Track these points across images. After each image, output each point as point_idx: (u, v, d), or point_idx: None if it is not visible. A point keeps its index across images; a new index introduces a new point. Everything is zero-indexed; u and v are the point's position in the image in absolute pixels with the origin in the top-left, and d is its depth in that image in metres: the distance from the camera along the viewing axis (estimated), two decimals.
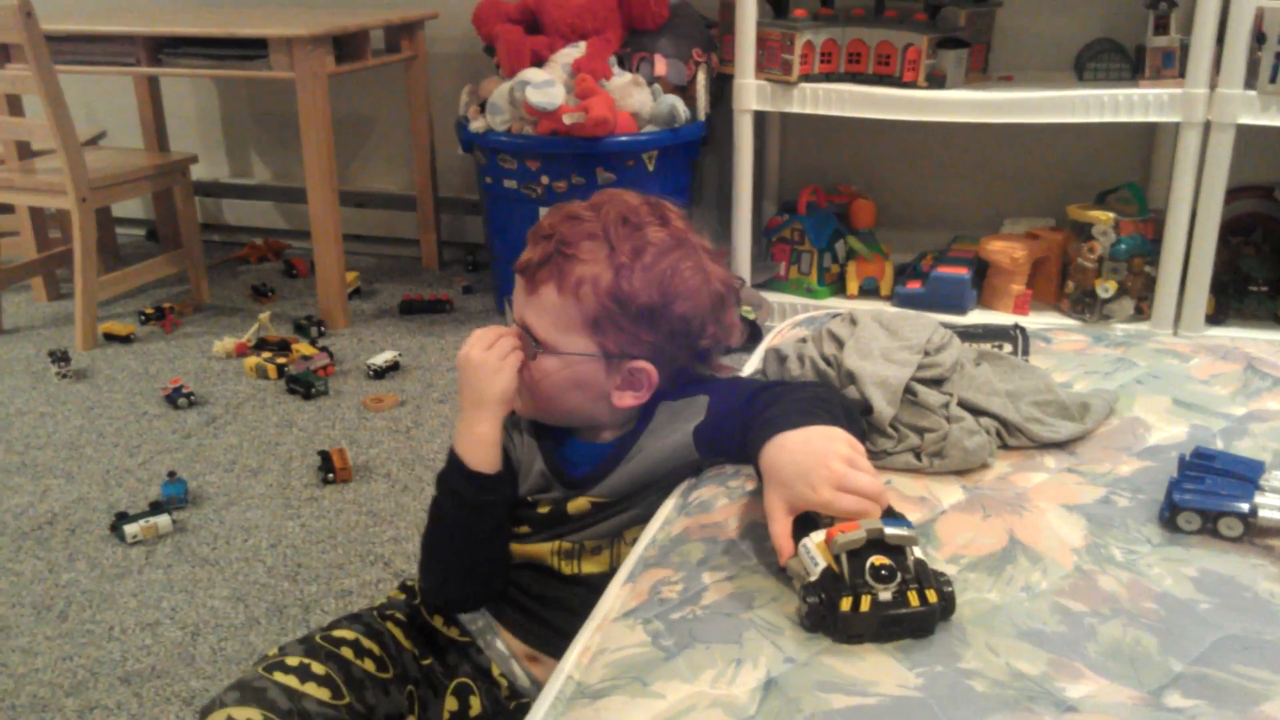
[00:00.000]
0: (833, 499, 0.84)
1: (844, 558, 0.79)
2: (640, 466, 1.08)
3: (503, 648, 1.13)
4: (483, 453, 1.08)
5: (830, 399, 1.02)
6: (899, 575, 0.79)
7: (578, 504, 1.09)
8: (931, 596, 0.78)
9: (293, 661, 1.04)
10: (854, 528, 0.80)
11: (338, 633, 1.10)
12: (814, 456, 0.87)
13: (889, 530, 0.80)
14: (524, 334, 1.08)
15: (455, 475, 1.09)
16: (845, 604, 0.78)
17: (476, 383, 1.07)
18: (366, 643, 1.10)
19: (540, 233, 1.08)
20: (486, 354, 1.07)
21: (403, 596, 1.21)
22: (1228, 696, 0.73)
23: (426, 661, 1.14)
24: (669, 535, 0.97)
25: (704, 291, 1.08)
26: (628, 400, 1.09)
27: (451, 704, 1.12)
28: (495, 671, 1.13)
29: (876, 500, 0.85)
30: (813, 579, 0.81)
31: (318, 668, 1.04)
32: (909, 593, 0.78)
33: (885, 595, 0.78)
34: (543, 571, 1.11)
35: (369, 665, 1.08)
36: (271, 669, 1.03)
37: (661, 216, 1.09)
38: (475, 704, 1.11)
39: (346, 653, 1.08)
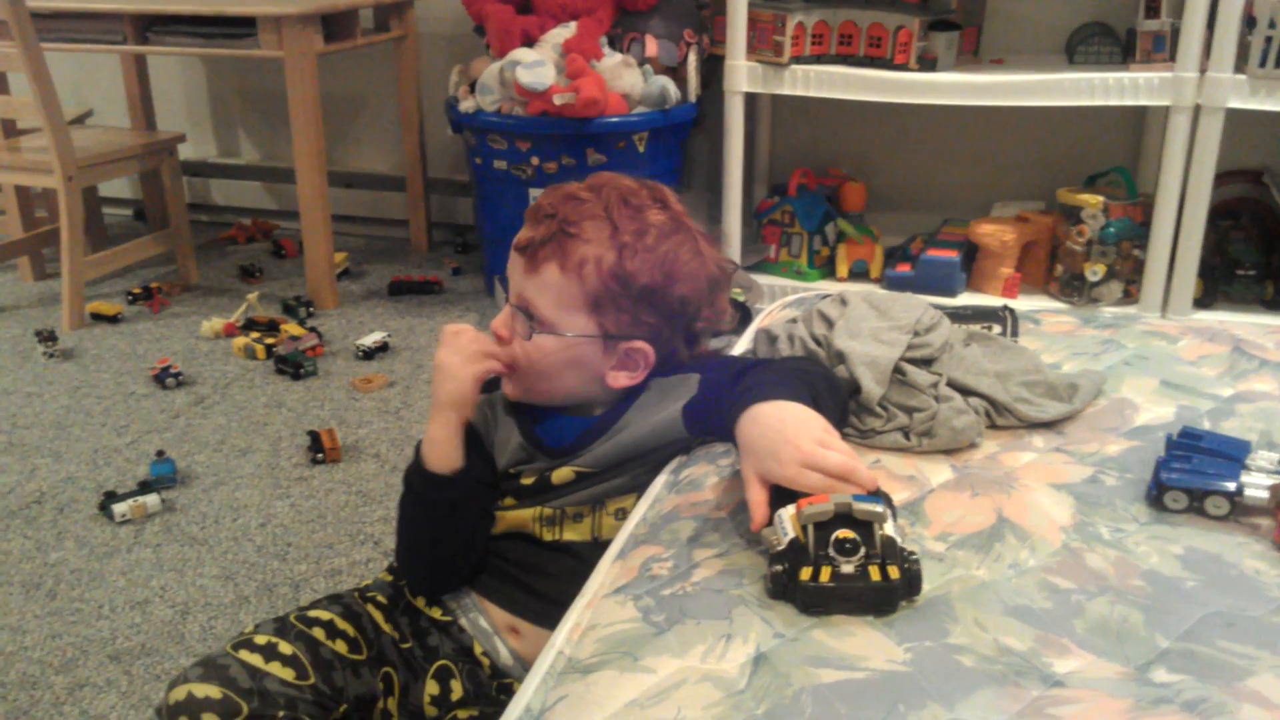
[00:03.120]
0: (797, 476, 0.85)
1: (810, 529, 0.81)
2: (627, 439, 1.08)
3: (485, 624, 1.13)
4: (439, 451, 1.09)
5: (812, 371, 1.03)
6: (862, 549, 0.79)
7: (562, 474, 1.09)
8: (893, 573, 0.79)
9: (261, 640, 1.04)
10: (823, 500, 0.81)
11: (313, 613, 1.11)
12: (784, 434, 0.87)
13: (857, 505, 0.80)
14: (522, 313, 1.08)
15: (414, 473, 1.12)
16: (805, 574, 0.80)
17: (436, 383, 1.09)
18: (341, 624, 1.10)
19: (541, 212, 1.07)
20: (450, 356, 1.08)
21: (389, 578, 1.21)
22: (1212, 672, 0.74)
23: (407, 645, 1.14)
24: (659, 512, 0.97)
25: (702, 275, 1.10)
26: (622, 380, 1.09)
27: (432, 688, 1.12)
28: (477, 650, 1.13)
29: (846, 479, 0.85)
30: (780, 548, 0.82)
31: (285, 647, 1.04)
32: (871, 567, 0.79)
33: (847, 568, 0.79)
34: (523, 539, 1.12)
35: (340, 646, 1.08)
36: (238, 647, 1.03)
37: (660, 199, 1.10)
38: (456, 688, 1.12)
39: (318, 633, 1.08)
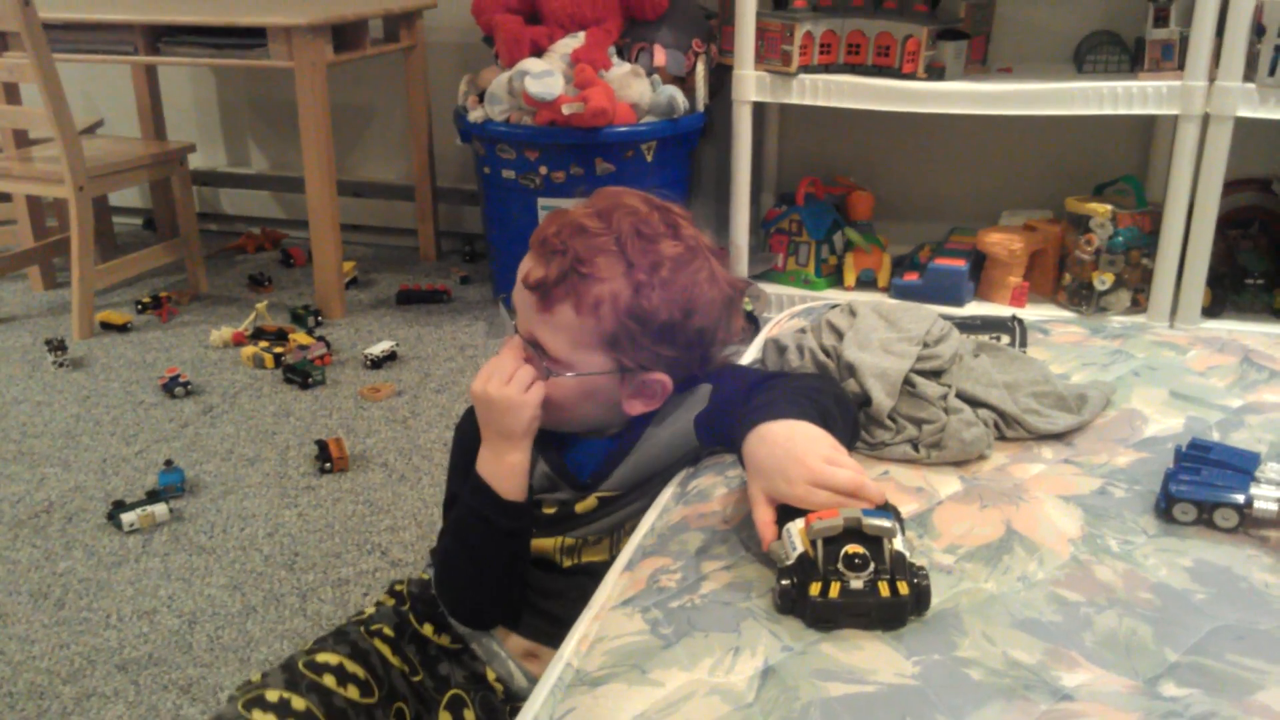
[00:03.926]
0: (806, 494, 0.84)
1: (819, 544, 0.80)
2: (646, 456, 1.08)
3: (498, 648, 1.13)
4: (515, 481, 1.07)
5: (823, 389, 1.02)
6: (872, 565, 0.79)
7: (586, 504, 1.08)
8: (903, 588, 0.79)
9: (273, 697, 1.02)
10: (833, 515, 0.81)
11: (321, 657, 1.08)
12: (791, 453, 0.87)
13: (866, 520, 0.80)
14: (535, 349, 1.06)
15: (487, 504, 1.07)
16: (814, 589, 0.79)
17: (502, 420, 1.06)
18: (351, 666, 1.09)
19: (549, 247, 1.03)
20: (508, 389, 1.04)
21: (391, 603, 1.20)
22: (1222, 685, 0.73)
23: (417, 678, 1.13)
24: (667, 524, 0.97)
25: (719, 301, 1.07)
26: (638, 408, 1.08)
27: (445, 718, 1.11)
28: (490, 676, 1.12)
29: (854, 496, 0.84)
30: (789, 563, 0.82)
31: (298, 703, 1.03)
32: (880, 583, 0.79)
33: (856, 584, 0.79)
34: (542, 565, 1.11)
35: (352, 692, 1.07)
36: (250, 706, 1.01)
37: (672, 224, 1.06)
38: (469, 717, 1.11)
39: (329, 681, 1.06)
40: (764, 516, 0.87)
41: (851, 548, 0.80)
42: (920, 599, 0.80)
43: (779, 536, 0.85)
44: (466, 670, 1.13)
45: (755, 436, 0.91)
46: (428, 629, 1.16)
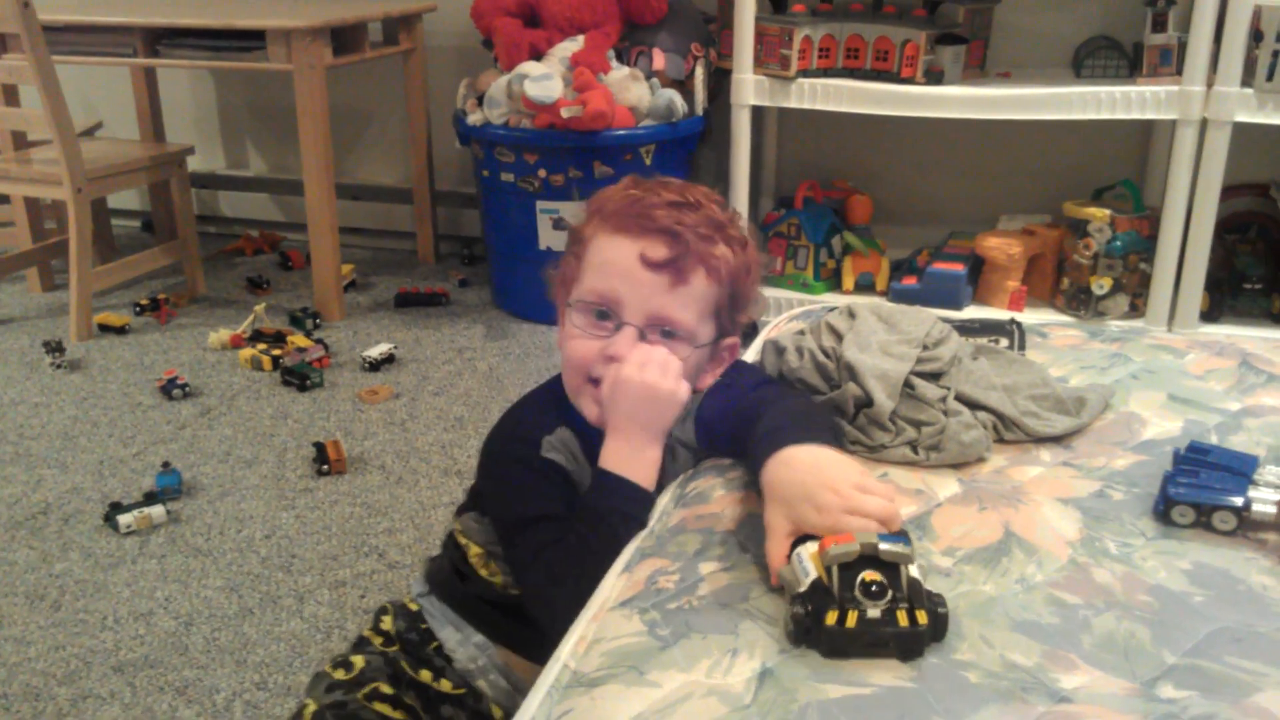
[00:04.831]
0: (838, 522, 0.82)
1: (835, 570, 0.77)
2: (683, 452, 1.08)
3: (507, 684, 1.11)
4: (653, 477, 1.04)
5: (825, 411, 1.02)
6: (889, 593, 0.76)
7: None
8: (921, 618, 0.76)
9: None
10: (848, 540, 0.78)
11: None
12: (823, 480, 0.85)
13: (884, 546, 0.77)
14: (659, 331, 1.04)
15: (633, 501, 1.01)
16: (831, 618, 0.76)
17: (652, 411, 1.02)
18: None
19: (658, 223, 1.03)
20: (667, 381, 1.01)
21: (379, 642, 1.17)
22: (1220, 687, 0.73)
23: None
24: (666, 526, 0.97)
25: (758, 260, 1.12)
26: (708, 380, 1.10)
27: None
28: (498, 715, 1.11)
29: (887, 524, 0.82)
30: (802, 589, 0.79)
31: None
32: (898, 611, 0.76)
33: (874, 612, 0.76)
34: None
35: None
36: None
37: (713, 198, 1.10)
38: None
39: None
40: (779, 548, 0.84)
41: (869, 575, 0.77)
42: (938, 628, 0.77)
43: (789, 559, 0.82)
44: (469, 711, 1.12)
45: (778, 461, 0.89)
46: (425, 675, 1.14)
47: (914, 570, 0.78)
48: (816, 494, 0.84)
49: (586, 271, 1.06)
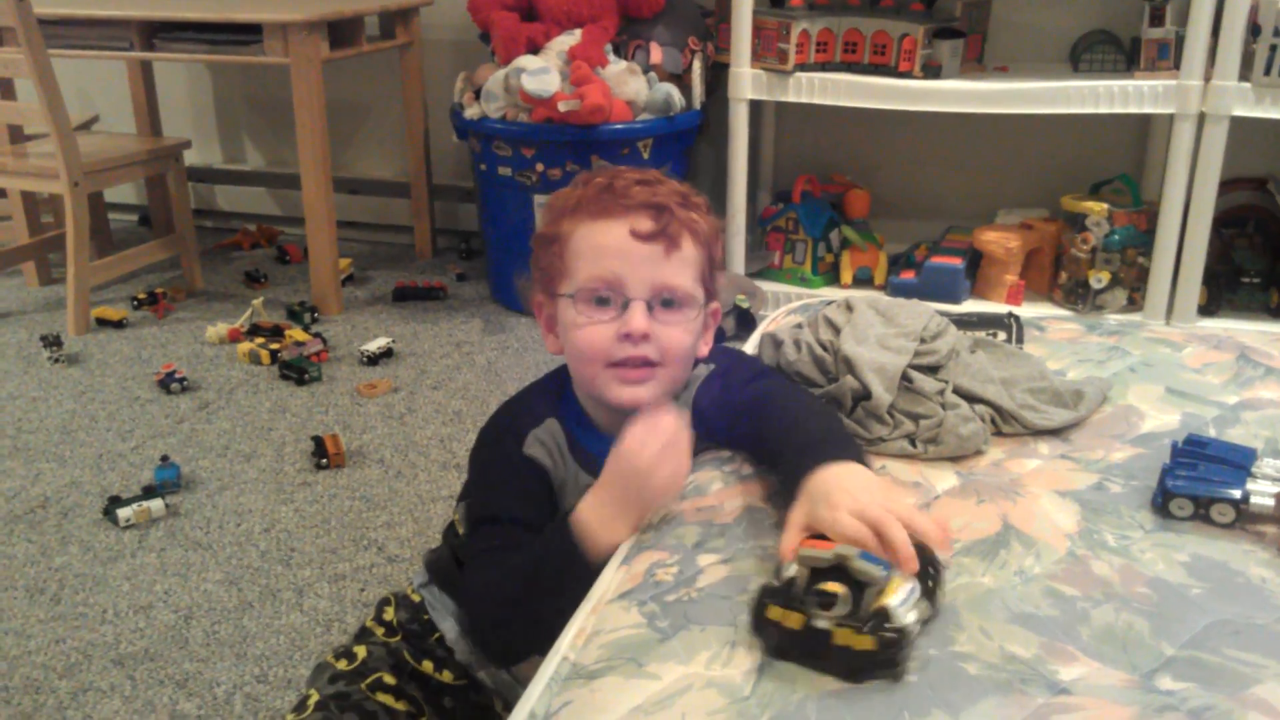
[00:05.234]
0: (837, 520, 0.81)
1: (806, 572, 0.76)
2: None
3: (509, 676, 1.11)
4: (610, 548, 0.95)
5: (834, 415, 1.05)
6: (844, 609, 0.73)
7: None
8: (865, 643, 0.72)
9: None
10: (828, 546, 0.77)
11: None
12: (843, 484, 0.84)
13: (857, 561, 0.75)
14: (662, 303, 1.05)
15: (581, 563, 0.95)
16: (773, 612, 0.75)
17: (655, 489, 0.95)
18: None
19: (638, 199, 1.05)
20: (668, 464, 0.94)
21: (380, 633, 1.17)
22: (1218, 679, 0.73)
23: (422, 718, 1.12)
24: (664, 517, 0.97)
25: None
26: (703, 349, 1.11)
27: None
28: (498, 706, 1.11)
29: (881, 534, 0.79)
30: (777, 584, 0.78)
31: None
32: (843, 630, 0.72)
33: (821, 623, 0.73)
34: None
35: None
36: None
37: (667, 175, 1.13)
38: None
39: None
40: (789, 542, 0.83)
41: (831, 585, 0.74)
42: (885, 661, 0.73)
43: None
44: (471, 703, 1.12)
45: (828, 470, 0.87)
46: (427, 666, 1.14)
47: (893, 600, 0.74)
48: (833, 493, 0.84)
49: (577, 262, 1.06)
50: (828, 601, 0.74)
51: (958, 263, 2.56)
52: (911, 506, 0.85)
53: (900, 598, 0.75)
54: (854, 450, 0.93)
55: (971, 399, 1.09)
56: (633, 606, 0.83)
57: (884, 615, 0.73)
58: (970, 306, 2.55)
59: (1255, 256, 2.51)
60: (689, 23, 2.73)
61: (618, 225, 1.04)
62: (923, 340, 1.13)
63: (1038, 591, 0.84)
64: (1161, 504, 0.94)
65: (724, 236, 1.13)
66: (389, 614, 1.19)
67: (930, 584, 0.79)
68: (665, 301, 1.05)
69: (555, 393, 1.12)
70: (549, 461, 1.07)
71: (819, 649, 0.73)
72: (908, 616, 0.74)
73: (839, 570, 0.75)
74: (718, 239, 1.12)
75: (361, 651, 1.16)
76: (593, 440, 1.08)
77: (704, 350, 1.12)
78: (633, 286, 1.04)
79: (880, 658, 0.73)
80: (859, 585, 0.75)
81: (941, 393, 1.07)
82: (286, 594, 1.67)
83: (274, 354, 2.52)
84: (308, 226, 2.80)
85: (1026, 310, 2.49)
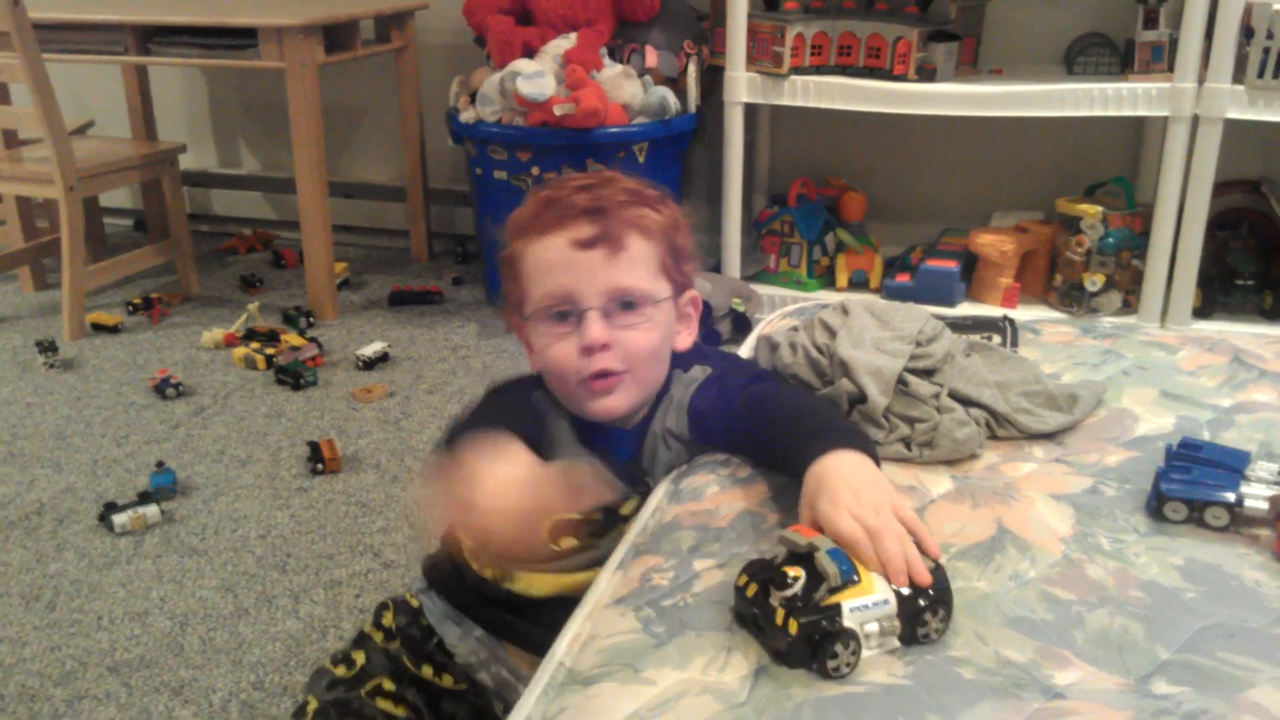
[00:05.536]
0: (836, 520, 0.82)
1: (783, 551, 0.81)
2: (671, 451, 1.09)
3: (508, 675, 1.11)
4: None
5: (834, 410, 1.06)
6: (793, 594, 0.76)
7: (629, 504, 1.07)
8: (792, 627, 0.74)
9: None
10: (810, 534, 0.80)
11: None
12: (849, 482, 0.85)
13: (821, 555, 0.77)
14: (620, 305, 1.04)
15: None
16: (741, 579, 0.81)
17: (525, 546, 0.95)
18: None
19: (577, 207, 1.05)
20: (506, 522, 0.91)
21: (379, 637, 1.17)
22: (1213, 683, 0.74)
23: None
24: (660, 522, 0.97)
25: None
26: (685, 340, 1.11)
27: None
28: (498, 709, 1.11)
29: (876, 539, 0.80)
30: (764, 557, 0.83)
31: None
32: (782, 611, 0.76)
33: (771, 599, 0.77)
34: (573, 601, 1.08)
35: None
36: None
37: (620, 174, 1.14)
38: None
39: None
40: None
41: (790, 569, 0.78)
42: (811, 649, 0.74)
43: None
44: (470, 706, 1.12)
45: (836, 459, 0.89)
46: (427, 671, 1.14)
47: (847, 603, 0.75)
48: (838, 489, 0.85)
49: (528, 283, 1.07)
50: (783, 581, 0.77)
51: (953, 266, 2.56)
52: (908, 508, 0.86)
53: (861, 603, 0.76)
54: (861, 440, 0.93)
55: (966, 402, 1.09)
56: (628, 612, 0.83)
57: (834, 611, 0.75)
58: (965, 309, 2.55)
59: (1249, 259, 2.52)
60: (684, 26, 2.74)
61: (559, 238, 1.05)
62: (918, 344, 1.13)
63: (1032, 595, 0.84)
64: (1156, 507, 0.94)
65: (688, 224, 1.13)
66: (388, 619, 1.19)
67: (922, 604, 0.78)
68: (625, 304, 1.05)
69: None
70: (550, 420, 1.10)
71: (764, 624, 0.77)
72: (857, 622, 0.76)
73: (808, 558, 0.79)
74: (679, 229, 1.10)
75: (360, 657, 1.15)
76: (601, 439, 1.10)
77: (688, 341, 1.12)
78: (585, 296, 1.04)
79: (799, 646, 0.75)
80: (819, 576, 0.77)
81: (937, 396, 1.07)
82: (282, 600, 1.67)
83: (269, 359, 2.51)
84: (303, 231, 2.80)
85: (1021, 313, 2.49)
